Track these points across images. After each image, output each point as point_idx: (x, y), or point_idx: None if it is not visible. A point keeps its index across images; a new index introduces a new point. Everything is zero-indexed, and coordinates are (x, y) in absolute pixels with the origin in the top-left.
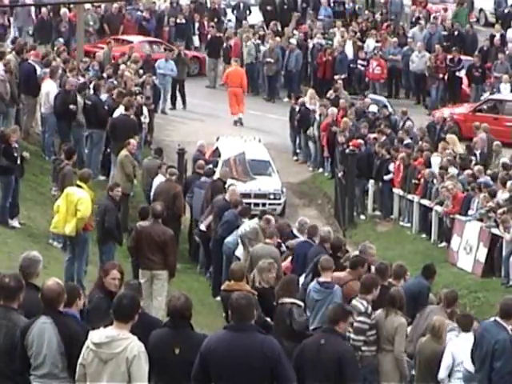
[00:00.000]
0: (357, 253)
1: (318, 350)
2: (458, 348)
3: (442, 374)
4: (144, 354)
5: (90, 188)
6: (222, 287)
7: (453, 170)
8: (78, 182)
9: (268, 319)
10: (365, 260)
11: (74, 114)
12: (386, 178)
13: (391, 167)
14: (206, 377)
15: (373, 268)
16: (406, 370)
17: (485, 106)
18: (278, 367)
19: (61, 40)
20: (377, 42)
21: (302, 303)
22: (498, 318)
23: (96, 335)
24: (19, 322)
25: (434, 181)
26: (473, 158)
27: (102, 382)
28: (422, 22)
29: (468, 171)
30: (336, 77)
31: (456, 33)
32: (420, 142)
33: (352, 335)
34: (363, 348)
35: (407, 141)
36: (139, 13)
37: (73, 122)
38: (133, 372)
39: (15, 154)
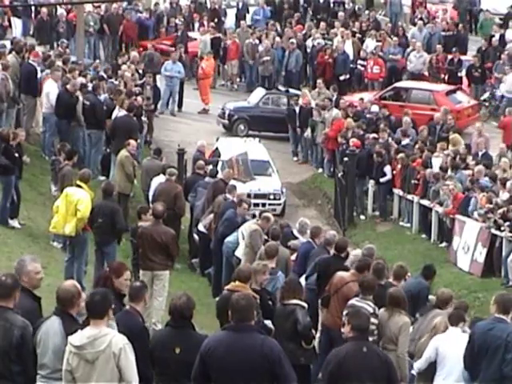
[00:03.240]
0: (359, 253)
1: (364, 357)
2: (445, 343)
3: (421, 364)
4: (129, 346)
5: (89, 188)
6: (227, 287)
7: (450, 171)
8: (78, 182)
9: (267, 322)
10: (370, 264)
11: (74, 114)
12: (382, 180)
13: (386, 169)
14: (205, 378)
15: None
16: (407, 369)
17: (390, 94)
18: (278, 367)
19: (65, 41)
20: (377, 41)
21: (305, 304)
22: (497, 315)
23: (76, 338)
24: (16, 321)
25: (434, 181)
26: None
27: (91, 383)
28: (421, 22)
29: (468, 171)
30: (341, 78)
31: (456, 33)
32: (419, 142)
33: None
34: None
35: (406, 141)
36: (139, 13)
37: (72, 122)
38: (121, 365)
39: (15, 154)
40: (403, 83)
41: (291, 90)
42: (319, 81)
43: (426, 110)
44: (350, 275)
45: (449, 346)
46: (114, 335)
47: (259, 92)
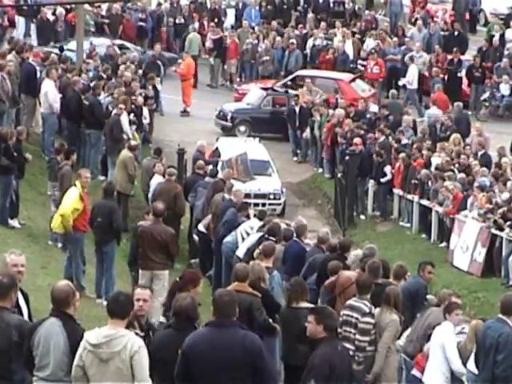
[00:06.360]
0: (359, 253)
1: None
2: (435, 333)
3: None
4: (144, 349)
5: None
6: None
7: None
8: (77, 182)
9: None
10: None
11: (82, 115)
12: (382, 180)
13: (387, 169)
14: (188, 375)
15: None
16: (394, 367)
17: (292, 82)
18: (259, 360)
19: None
20: (376, 41)
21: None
22: (499, 315)
23: (92, 336)
24: (13, 321)
25: (432, 181)
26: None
27: (105, 382)
28: (420, 22)
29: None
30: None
31: (456, 33)
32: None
33: (357, 336)
34: (367, 348)
35: (405, 141)
36: (138, 14)
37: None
38: (135, 368)
39: (14, 153)
40: (306, 71)
41: (290, 91)
42: (308, 80)
43: (331, 99)
44: (357, 275)
45: (435, 337)
46: (130, 337)
47: (259, 93)
